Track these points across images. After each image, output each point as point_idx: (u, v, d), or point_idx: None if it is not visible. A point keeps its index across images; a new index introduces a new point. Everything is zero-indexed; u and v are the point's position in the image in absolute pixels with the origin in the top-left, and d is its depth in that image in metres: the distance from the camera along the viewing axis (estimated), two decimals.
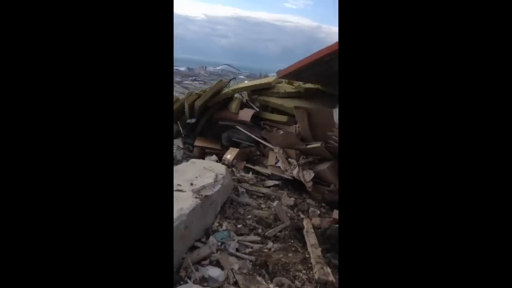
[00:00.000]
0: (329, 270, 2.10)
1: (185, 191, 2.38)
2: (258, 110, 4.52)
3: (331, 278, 2.02)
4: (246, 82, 6.06)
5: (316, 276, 2.02)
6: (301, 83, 4.92)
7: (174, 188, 2.35)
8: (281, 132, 4.08)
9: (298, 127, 4.00)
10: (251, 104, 4.73)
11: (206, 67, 25.44)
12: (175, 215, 1.99)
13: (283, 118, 4.29)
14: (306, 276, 2.05)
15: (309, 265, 2.17)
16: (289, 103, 4.37)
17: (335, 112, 3.82)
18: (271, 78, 5.16)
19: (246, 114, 4.41)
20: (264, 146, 4.24)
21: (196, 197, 2.33)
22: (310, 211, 3.09)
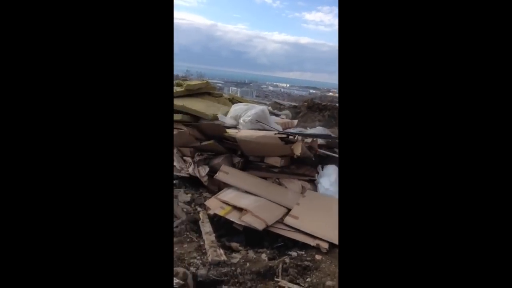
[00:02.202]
0: (222, 251, 2.25)
1: None
2: None
3: (223, 257, 2.17)
4: None
5: (210, 259, 2.15)
6: (189, 82, 5.01)
7: None
8: (175, 132, 4.10)
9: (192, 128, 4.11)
10: None
11: None
12: None
13: (178, 117, 4.32)
14: (201, 261, 2.17)
15: (203, 251, 2.28)
16: (180, 102, 4.42)
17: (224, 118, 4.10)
18: None
19: None
20: None
21: None
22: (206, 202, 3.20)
